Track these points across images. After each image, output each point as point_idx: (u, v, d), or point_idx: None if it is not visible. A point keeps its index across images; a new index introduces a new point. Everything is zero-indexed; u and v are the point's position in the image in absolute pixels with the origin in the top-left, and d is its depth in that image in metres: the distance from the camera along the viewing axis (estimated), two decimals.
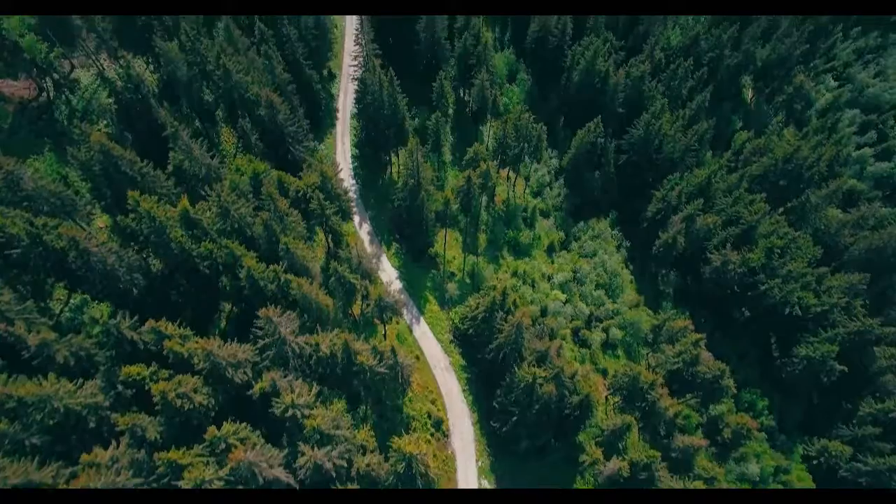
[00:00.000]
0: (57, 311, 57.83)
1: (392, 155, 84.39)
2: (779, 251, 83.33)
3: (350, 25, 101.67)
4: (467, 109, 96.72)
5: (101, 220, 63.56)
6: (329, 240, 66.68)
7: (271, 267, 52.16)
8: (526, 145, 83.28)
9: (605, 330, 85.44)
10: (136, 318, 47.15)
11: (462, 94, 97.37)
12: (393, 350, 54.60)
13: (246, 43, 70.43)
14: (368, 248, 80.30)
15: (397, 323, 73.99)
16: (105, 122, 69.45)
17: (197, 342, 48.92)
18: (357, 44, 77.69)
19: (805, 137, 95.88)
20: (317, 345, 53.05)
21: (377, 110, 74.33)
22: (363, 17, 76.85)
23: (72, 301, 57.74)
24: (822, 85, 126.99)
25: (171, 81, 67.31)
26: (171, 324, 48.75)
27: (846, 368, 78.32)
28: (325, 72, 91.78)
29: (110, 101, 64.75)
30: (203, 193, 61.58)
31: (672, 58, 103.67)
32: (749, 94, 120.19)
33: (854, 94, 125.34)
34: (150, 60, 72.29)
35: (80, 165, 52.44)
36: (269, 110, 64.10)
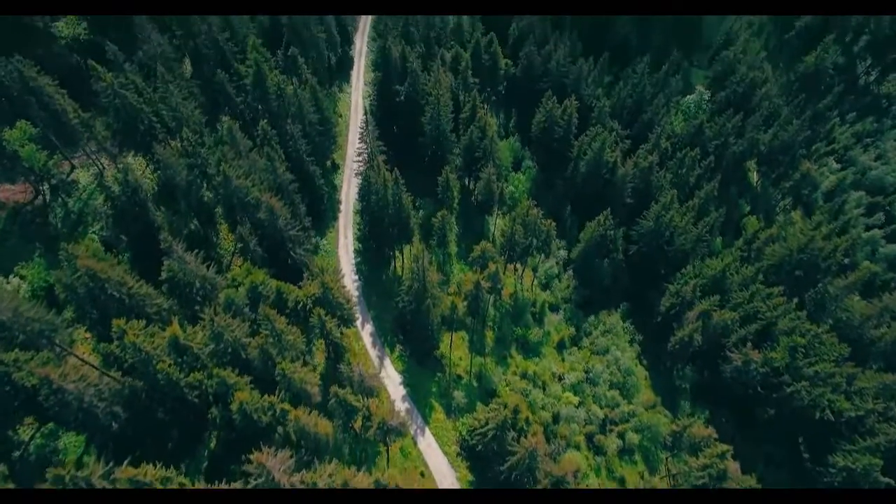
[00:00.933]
0: (26, 439, 52.70)
1: (396, 250, 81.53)
2: (802, 350, 79.01)
3: (355, 115, 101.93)
4: (473, 198, 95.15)
5: (85, 333, 59.47)
6: (330, 350, 62.47)
7: (266, 398, 47.66)
8: (535, 240, 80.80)
9: (621, 435, 79.79)
10: (110, 464, 42.01)
11: (467, 183, 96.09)
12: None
13: (248, 144, 69.10)
14: (371, 350, 76.00)
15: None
16: (100, 224, 67.05)
17: (181, 486, 43.79)
18: (362, 140, 76.61)
19: (817, 228, 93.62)
20: (314, 484, 47.72)
21: (381, 209, 72.18)
22: (368, 114, 76.42)
23: (43, 428, 52.74)
24: (825, 167, 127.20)
25: (169, 183, 65.34)
26: (151, 466, 43.60)
27: (892, 482, 71.97)
28: (328, 163, 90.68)
29: (106, 205, 62.68)
30: (198, 300, 58.37)
31: (677, 145, 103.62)
32: (754, 177, 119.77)
33: (857, 176, 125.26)
34: (150, 160, 70.70)
35: (64, 288, 49.04)
36: (269, 215, 61.62)
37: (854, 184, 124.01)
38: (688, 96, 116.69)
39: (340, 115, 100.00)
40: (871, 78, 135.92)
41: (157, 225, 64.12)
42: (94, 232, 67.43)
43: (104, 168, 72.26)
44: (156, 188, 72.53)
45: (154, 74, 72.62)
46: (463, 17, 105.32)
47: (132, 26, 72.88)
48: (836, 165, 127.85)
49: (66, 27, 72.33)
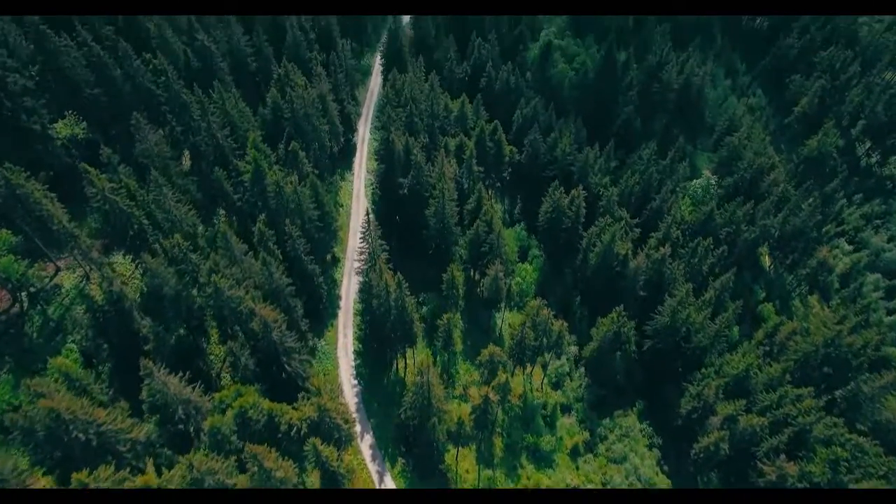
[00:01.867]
0: None
1: (399, 353, 76.35)
2: (846, 463, 72.08)
3: (357, 204, 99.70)
4: (478, 290, 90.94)
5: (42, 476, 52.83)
6: (327, 480, 56.03)
7: None
8: (545, 340, 75.98)
9: None
10: None
11: (472, 275, 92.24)
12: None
13: (243, 248, 65.61)
14: (370, 464, 69.31)
15: None
16: (80, 334, 62.42)
17: None
18: (364, 239, 73.34)
19: (842, 322, 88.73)
20: None
21: (383, 313, 67.80)
22: (370, 213, 73.89)
23: None
24: (837, 248, 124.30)
25: (157, 292, 61.24)
26: None
27: None
28: (328, 256, 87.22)
29: (87, 316, 58.54)
30: (182, 419, 52.83)
31: (688, 233, 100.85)
32: (767, 261, 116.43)
33: (871, 258, 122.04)
34: (139, 263, 66.99)
35: (21, 432, 43.59)
36: (262, 327, 57.12)
37: (869, 266, 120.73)
38: (695, 181, 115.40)
39: (342, 205, 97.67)
40: (873, 160, 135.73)
41: (141, 335, 59.80)
42: (72, 341, 62.78)
43: (90, 271, 68.48)
44: (145, 289, 68.43)
45: (150, 173, 70.40)
46: (466, 106, 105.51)
47: (129, 125, 71.42)
48: (848, 247, 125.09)
49: (65, 128, 70.85)
